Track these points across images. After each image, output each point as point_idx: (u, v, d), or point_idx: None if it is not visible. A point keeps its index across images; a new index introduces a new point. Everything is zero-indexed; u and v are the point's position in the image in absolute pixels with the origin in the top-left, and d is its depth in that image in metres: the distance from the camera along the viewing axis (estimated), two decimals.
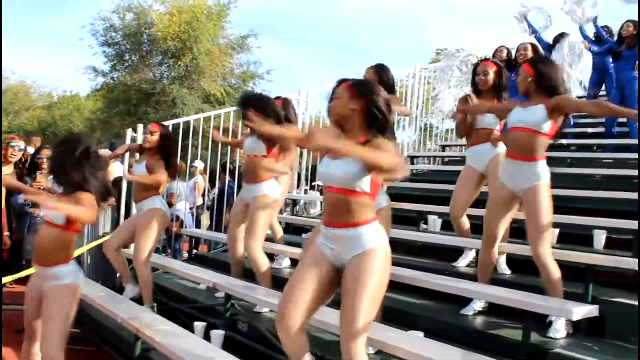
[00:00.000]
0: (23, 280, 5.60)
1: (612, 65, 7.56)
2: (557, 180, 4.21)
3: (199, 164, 8.91)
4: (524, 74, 3.89)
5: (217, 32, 22.53)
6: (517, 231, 4.66)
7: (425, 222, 5.86)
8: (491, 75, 4.73)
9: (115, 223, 6.41)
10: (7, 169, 5.73)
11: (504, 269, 4.63)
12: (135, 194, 5.23)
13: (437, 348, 3.26)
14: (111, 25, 22.53)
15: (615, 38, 7.57)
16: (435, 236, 5.39)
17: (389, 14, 60.13)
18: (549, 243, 3.76)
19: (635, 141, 6.97)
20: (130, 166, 6.09)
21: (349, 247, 2.81)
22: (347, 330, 2.72)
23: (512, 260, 4.65)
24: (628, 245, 4.50)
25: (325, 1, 60.84)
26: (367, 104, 2.81)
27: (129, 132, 6.77)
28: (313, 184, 8.24)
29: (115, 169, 7.32)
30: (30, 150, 6.16)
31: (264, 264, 4.81)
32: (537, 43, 7.51)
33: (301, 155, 7.51)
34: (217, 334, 4.14)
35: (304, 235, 6.62)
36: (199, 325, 4.35)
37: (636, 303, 3.59)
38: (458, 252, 4.97)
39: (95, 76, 23.59)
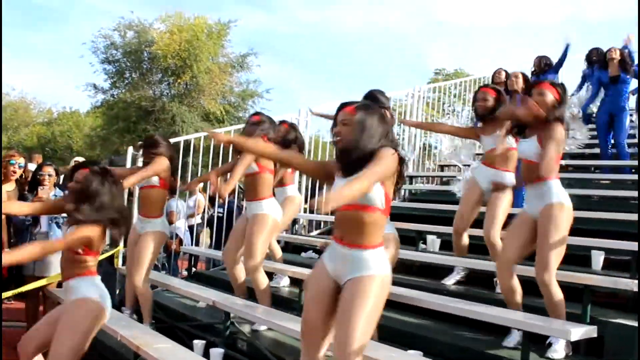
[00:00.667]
0: (22, 297, 5.62)
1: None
2: None
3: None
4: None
5: (217, 51, 22.66)
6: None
7: (424, 242, 5.88)
8: (490, 102, 4.82)
9: (115, 241, 6.40)
10: (9, 186, 5.74)
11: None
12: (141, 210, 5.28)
13: None
14: (112, 43, 22.66)
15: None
16: (434, 256, 5.40)
17: (388, 34, 60.56)
18: (555, 267, 3.69)
19: (628, 162, 7.06)
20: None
21: (350, 268, 2.82)
22: (341, 351, 2.72)
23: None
24: (626, 266, 4.53)
25: (325, 21, 61.32)
26: None
27: (130, 150, 6.82)
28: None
29: None
30: (32, 166, 6.17)
31: (263, 282, 4.82)
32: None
33: (301, 174, 7.54)
34: (217, 353, 4.15)
35: (303, 254, 6.64)
36: (199, 343, 4.36)
37: (635, 324, 3.61)
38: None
39: (95, 93, 23.69)
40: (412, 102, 9.15)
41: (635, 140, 7.53)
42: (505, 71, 7.49)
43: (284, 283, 5.80)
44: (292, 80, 61.68)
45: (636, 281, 3.70)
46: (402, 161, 2.86)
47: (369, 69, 60.33)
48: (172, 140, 7.01)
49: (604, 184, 7.01)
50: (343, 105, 2.88)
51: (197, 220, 8.73)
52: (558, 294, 3.66)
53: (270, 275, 5.43)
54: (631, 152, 7.30)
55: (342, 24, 59.79)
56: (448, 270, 5.17)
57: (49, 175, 5.74)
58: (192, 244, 8.32)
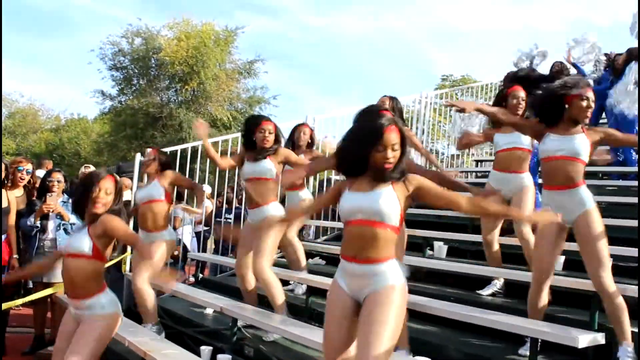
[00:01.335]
0: (31, 303, 5.64)
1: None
2: None
3: (206, 189, 8.95)
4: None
5: (224, 57, 22.74)
6: (514, 257, 4.71)
7: (431, 249, 5.88)
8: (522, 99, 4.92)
9: (122, 247, 6.44)
10: (17, 192, 5.79)
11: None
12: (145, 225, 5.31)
13: None
14: (120, 50, 22.80)
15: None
16: (441, 262, 5.40)
17: (395, 41, 60.66)
18: (610, 270, 3.62)
19: (634, 169, 7.04)
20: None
21: (367, 283, 2.79)
22: None
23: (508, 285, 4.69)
24: (633, 273, 4.51)
25: (331, 27, 61.43)
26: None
27: (138, 156, 6.85)
28: None
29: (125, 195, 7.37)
30: (41, 173, 6.20)
31: (272, 282, 4.72)
32: None
33: (308, 181, 7.55)
34: (224, 359, 4.15)
35: (310, 260, 6.64)
36: (206, 349, 4.36)
37: None
38: (464, 278, 4.99)
39: (103, 100, 23.81)
40: (419, 107, 9.17)
41: None
42: None
43: (299, 291, 5.78)
44: (299, 87, 61.83)
45: None
46: None
47: (376, 74, 60.41)
48: (179, 147, 7.08)
49: (611, 190, 6.98)
50: (386, 128, 2.77)
51: (203, 226, 8.74)
52: (620, 297, 3.58)
53: (285, 282, 5.47)
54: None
55: (349, 30, 59.90)
56: (455, 276, 5.16)
57: (58, 182, 5.78)
58: (198, 250, 8.34)
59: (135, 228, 5.96)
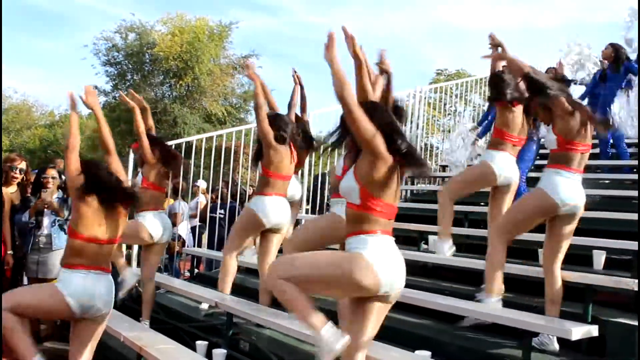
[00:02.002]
0: None
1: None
2: None
3: (201, 184, 8.96)
4: None
5: (218, 52, 22.71)
6: (511, 251, 4.72)
7: (426, 242, 5.88)
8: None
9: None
10: (11, 189, 5.78)
11: None
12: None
13: None
14: (113, 45, 22.76)
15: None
16: (436, 256, 5.40)
17: (389, 36, 60.44)
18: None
19: (627, 162, 7.07)
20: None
21: None
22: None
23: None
24: (627, 266, 4.53)
25: (327, 24, 61.35)
26: None
27: (132, 152, 6.83)
28: None
29: None
30: (53, 173, 6.10)
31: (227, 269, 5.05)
32: None
33: (302, 175, 7.56)
34: (219, 353, 4.16)
35: None
36: (201, 344, 4.37)
37: (636, 323, 3.62)
38: (459, 272, 5.00)
39: (97, 95, 23.69)
40: (413, 102, 9.17)
41: (636, 141, 7.52)
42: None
43: None
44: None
45: (637, 280, 3.70)
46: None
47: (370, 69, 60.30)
48: (173, 142, 7.07)
49: (604, 184, 7.00)
50: None
51: (198, 222, 8.75)
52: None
53: None
54: (632, 152, 7.31)
55: (347, 27, 59.67)
56: (450, 270, 5.17)
57: (53, 178, 5.76)
58: (194, 246, 8.34)
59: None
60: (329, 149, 3.25)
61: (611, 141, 7.41)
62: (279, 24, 61.38)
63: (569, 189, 3.84)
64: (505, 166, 4.65)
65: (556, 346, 3.68)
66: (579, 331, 3.33)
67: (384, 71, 3.68)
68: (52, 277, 5.62)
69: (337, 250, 3.02)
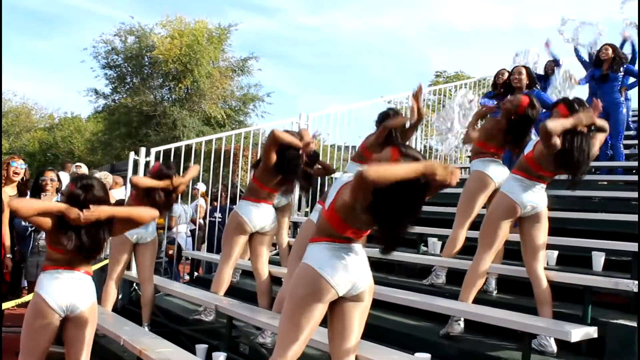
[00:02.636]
0: (24, 303, 5.62)
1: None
2: (556, 203, 4.27)
3: (201, 187, 8.96)
4: None
5: (217, 55, 22.72)
6: (508, 252, 4.73)
7: (425, 245, 5.88)
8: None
9: None
10: (11, 191, 5.76)
11: (493, 288, 4.74)
12: None
13: None
14: (113, 48, 22.77)
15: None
16: (436, 258, 5.41)
17: (388, 38, 60.63)
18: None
19: (622, 163, 7.09)
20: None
21: None
22: None
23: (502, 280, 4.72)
24: (627, 267, 4.53)
25: (325, 25, 61.42)
26: None
27: (132, 155, 6.83)
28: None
29: (117, 193, 7.36)
30: (64, 175, 6.10)
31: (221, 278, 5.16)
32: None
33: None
34: (219, 356, 4.15)
35: None
36: (201, 347, 4.37)
37: (636, 325, 3.62)
38: (458, 274, 4.99)
39: (97, 98, 23.81)
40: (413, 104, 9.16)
41: (636, 142, 7.55)
42: (509, 72, 7.47)
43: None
44: (293, 84, 61.83)
45: (637, 282, 3.70)
46: None
47: (370, 72, 60.40)
48: (173, 145, 7.07)
49: (603, 185, 7.01)
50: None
51: (197, 225, 8.74)
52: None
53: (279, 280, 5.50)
54: (629, 153, 7.32)
55: (343, 28, 59.84)
56: (449, 272, 5.16)
57: (51, 180, 5.77)
58: (193, 249, 8.33)
59: None
60: None
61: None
62: (277, 25, 61.50)
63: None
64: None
65: (554, 348, 3.68)
66: (579, 333, 3.33)
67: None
68: None
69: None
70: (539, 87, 6.32)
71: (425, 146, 9.80)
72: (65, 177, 6.68)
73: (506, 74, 7.46)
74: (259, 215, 4.98)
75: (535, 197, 4.04)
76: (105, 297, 5.34)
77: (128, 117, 22.45)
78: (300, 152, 4.79)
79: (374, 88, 58.32)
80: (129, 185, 6.70)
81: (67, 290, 3.44)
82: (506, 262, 4.75)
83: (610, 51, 7.41)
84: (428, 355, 3.66)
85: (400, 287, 4.70)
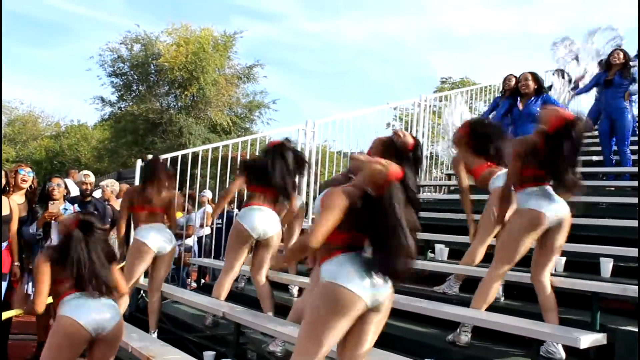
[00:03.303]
0: None
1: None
2: None
3: (208, 194, 8.98)
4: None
5: (223, 62, 22.76)
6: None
7: (433, 251, 5.88)
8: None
9: (122, 256, 6.45)
10: (19, 199, 5.78)
11: (500, 295, 4.72)
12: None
13: None
14: (119, 56, 22.85)
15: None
16: (443, 265, 5.40)
17: (392, 45, 60.63)
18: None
19: (629, 169, 7.06)
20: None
21: None
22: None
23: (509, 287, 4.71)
24: (635, 273, 4.52)
25: (329, 33, 61.50)
26: None
27: (138, 162, 6.85)
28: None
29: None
30: (69, 182, 6.13)
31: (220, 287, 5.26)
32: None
33: (308, 184, 7.56)
34: None
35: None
36: (209, 354, 4.36)
37: None
38: (465, 280, 4.99)
39: (103, 106, 23.90)
40: (418, 111, 9.19)
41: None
42: (516, 77, 7.49)
43: (294, 292, 5.85)
44: (298, 91, 61.91)
45: None
46: None
47: (374, 79, 60.46)
48: (180, 153, 7.09)
49: (611, 191, 6.99)
50: None
51: (206, 231, 8.75)
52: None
53: (284, 286, 5.52)
54: (635, 159, 7.30)
55: (347, 35, 59.93)
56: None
57: (58, 186, 5.79)
58: (200, 256, 8.34)
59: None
60: None
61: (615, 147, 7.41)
62: (281, 31, 61.66)
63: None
64: None
65: (563, 355, 3.67)
66: (588, 339, 3.32)
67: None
68: None
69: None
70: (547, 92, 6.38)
71: (431, 153, 9.79)
72: (70, 184, 6.69)
73: (514, 80, 7.49)
74: (260, 221, 5.02)
75: (557, 206, 3.91)
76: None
77: (134, 125, 22.50)
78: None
79: (375, 93, 58.25)
80: None
81: (95, 311, 3.49)
82: (513, 268, 4.73)
83: (621, 56, 7.37)
84: None
85: (408, 293, 4.69)
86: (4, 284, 5.44)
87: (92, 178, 6.63)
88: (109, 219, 7.03)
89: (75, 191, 6.94)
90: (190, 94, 22.12)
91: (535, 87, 6.85)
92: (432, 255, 5.89)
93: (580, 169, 3.98)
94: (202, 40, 21.89)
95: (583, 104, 8.47)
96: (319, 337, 2.79)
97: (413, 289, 5.04)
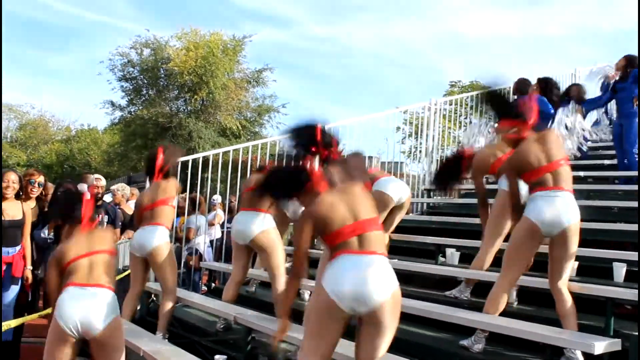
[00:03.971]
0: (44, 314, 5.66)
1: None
2: None
3: (217, 199, 8.99)
4: None
5: (232, 67, 22.82)
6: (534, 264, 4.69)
7: (444, 255, 5.86)
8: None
9: None
10: (30, 204, 5.82)
11: (514, 299, 4.69)
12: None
13: None
14: (129, 61, 22.95)
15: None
16: (454, 269, 5.38)
17: (401, 49, 60.65)
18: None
19: (631, 173, 7.02)
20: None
21: None
22: None
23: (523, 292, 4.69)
24: None
25: (338, 36, 61.56)
26: None
27: None
28: None
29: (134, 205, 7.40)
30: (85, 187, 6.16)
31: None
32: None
33: None
34: None
35: None
36: (220, 358, 4.36)
37: None
38: (477, 285, 4.97)
39: (113, 110, 24.01)
40: (428, 114, 9.16)
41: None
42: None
43: (306, 296, 5.83)
44: (308, 95, 61.95)
45: None
46: None
47: (384, 82, 60.45)
48: (190, 157, 7.11)
49: (622, 195, 6.94)
50: None
51: (216, 235, 8.77)
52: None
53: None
54: None
55: (356, 39, 59.98)
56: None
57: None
58: (211, 259, 8.35)
59: None
60: None
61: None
62: (290, 36, 61.77)
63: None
64: None
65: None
66: (602, 345, 3.30)
67: None
68: None
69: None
70: None
71: (442, 157, 9.75)
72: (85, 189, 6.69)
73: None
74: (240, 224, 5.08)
75: (559, 210, 3.85)
76: (124, 308, 5.35)
77: (144, 129, 22.56)
78: None
79: (385, 97, 58.29)
80: None
81: (79, 310, 3.45)
82: (527, 273, 4.70)
83: (622, 62, 7.37)
84: None
85: (418, 298, 4.68)
86: (17, 288, 5.47)
87: (103, 182, 6.67)
88: (120, 223, 7.07)
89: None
90: (200, 98, 22.18)
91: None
92: (443, 259, 5.87)
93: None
94: (212, 45, 21.96)
95: None
96: (315, 340, 2.99)
97: (423, 293, 5.02)
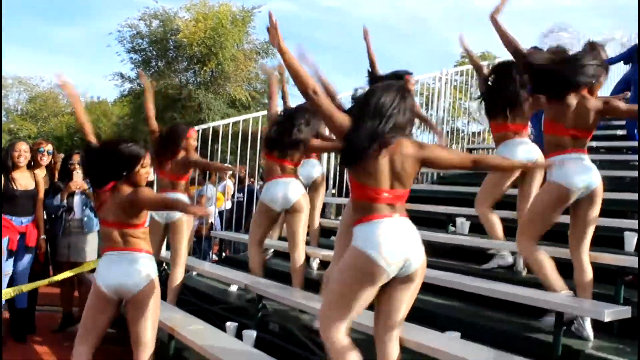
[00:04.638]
0: (57, 283, 5.73)
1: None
2: None
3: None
4: None
5: (241, 38, 22.66)
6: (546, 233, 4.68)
7: (454, 225, 5.86)
8: None
9: None
10: (41, 172, 5.85)
11: (522, 268, 4.70)
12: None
13: (472, 349, 3.29)
14: (138, 32, 22.82)
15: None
16: (464, 238, 5.39)
17: (412, 19, 59.87)
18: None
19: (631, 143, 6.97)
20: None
21: None
22: None
23: None
24: None
25: (347, 7, 60.87)
26: None
27: None
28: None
29: None
30: (79, 159, 6.20)
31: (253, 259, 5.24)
32: None
33: (328, 160, 7.56)
34: (250, 334, 4.19)
35: (333, 237, 6.65)
36: (231, 325, 4.41)
37: None
38: (486, 254, 4.98)
39: (122, 82, 23.94)
40: (439, 85, 9.09)
41: None
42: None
43: (315, 266, 5.88)
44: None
45: None
46: None
47: (394, 53, 59.84)
48: (200, 127, 7.11)
49: (635, 165, 6.89)
50: None
51: (227, 205, 8.80)
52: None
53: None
54: None
55: (365, 9, 59.28)
56: (477, 252, 5.15)
57: (79, 164, 5.83)
58: (222, 229, 8.40)
59: None
60: None
61: None
62: (299, 6, 61.17)
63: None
64: None
65: (590, 332, 3.58)
66: (611, 313, 3.30)
67: None
68: (82, 261, 5.71)
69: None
70: None
71: (452, 128, 9.72)
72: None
73: None
74: (280, 192, 4.99)
75: (587, 174, 3.77)
76: None
77: (155, 101, 22.51)
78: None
79: (394, 69, 57.64)
80: None
81: (117, 273, 3.50)
82: (540, 242, 4.71)
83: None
84: (457, 334, 3.67)
85: (429, 266, 4.68)
86: (30, 257, 5.53)
87: None
88: None
89: None
90: (209, 69, 22.08)
91: None
92: (453, 229, 5.88)
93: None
94: (221, 16, 21.79)
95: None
96: (343, 302, 2.84)
97: (434, 262, 5.03)
